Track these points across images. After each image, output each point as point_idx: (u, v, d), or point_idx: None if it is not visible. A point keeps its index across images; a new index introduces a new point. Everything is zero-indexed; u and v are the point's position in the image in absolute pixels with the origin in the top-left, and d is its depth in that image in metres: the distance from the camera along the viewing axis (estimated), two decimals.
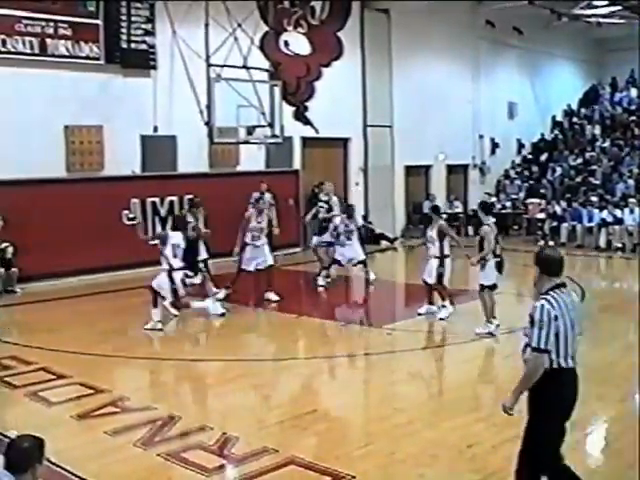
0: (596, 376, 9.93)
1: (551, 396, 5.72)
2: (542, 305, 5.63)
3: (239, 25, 19.08)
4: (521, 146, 32.37)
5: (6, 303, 15.84)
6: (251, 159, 21.57)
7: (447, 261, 13.83)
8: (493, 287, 12.60)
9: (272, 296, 15.72)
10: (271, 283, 15.88)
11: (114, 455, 7.61)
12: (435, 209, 15.08)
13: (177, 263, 13.42)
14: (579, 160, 30.01)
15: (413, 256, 20.99)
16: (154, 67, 19.60)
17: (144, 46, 19.36)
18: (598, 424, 8.56)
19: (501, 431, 7.84)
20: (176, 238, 13.61)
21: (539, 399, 5.77)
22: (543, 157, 31.32)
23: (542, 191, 27.92)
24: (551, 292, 5.70)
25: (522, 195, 28.59)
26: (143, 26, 19.27)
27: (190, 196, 18.66)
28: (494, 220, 12.88)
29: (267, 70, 21.17)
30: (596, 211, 24.07)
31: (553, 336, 5.59)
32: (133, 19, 19.09)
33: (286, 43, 23.07)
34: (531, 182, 29.24)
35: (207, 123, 17.97)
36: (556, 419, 5.82)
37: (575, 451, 7.64)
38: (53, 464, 6.69)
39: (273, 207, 18.56)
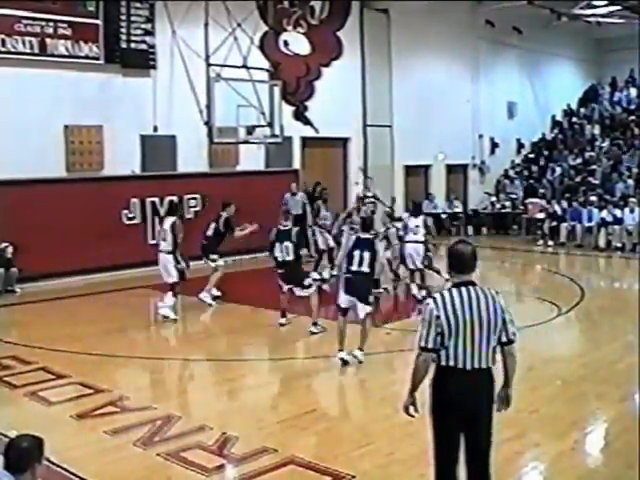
0: (596, 376, 9.95)
1: (433, 396, 5.61)
2: (427, 303, 5.58)
3: (239, 25, 19.09)
4: (521, 146, 32.35)
5: (6, 303, 15.86)
6: (251, 159, 21.57)
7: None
8: None
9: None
10: None
11: (114, 455, 7.62)
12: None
13: (164, 246, 14.56)
14: (579, 160, 30.00)
15: None
16: (154, 67, 19.59)
17: (144, 46, 19.35)
18: (598, 424, 8.57)
19: (500, 431, 7.78)
20: (167, 223, 14.70)
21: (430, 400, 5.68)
22: (542, 157, 31.31)
23: (542, 191, 27.93)
24: (450, 289, 5.57)
25: (522, 195, 28.58)
26: (143, 26, 19.26)
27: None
28: (424, 218, 15.99)
29: (267, 70, 21.16)
30: (595, 211, 24.07)
31: (436, 335, 5.46)
32: (133, 19, 19.08)
33: (286, 43, 23.06)
34: (531, 182, 29.23)
35: (207, 123, 18.00)
36: (436, 422, 5.65)
37: (575, 451, 7.68)
38: (53, 464, 6.69)
39: (308, 205, 18.73)
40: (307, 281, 13.13)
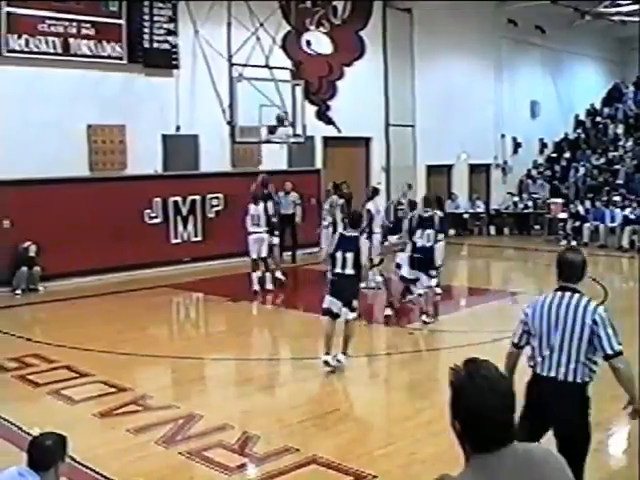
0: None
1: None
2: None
3: (261, 24, 19.11)
4: (543, 146, 32.21)
5: (29, 301, 15.95)
6: (273, 158, 21.58)
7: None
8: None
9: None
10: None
11: (136, 453, 7.64)
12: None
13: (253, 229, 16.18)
14: (602, 160, 29.82)
15: None
16: (176, 66, 19.63)
17: (166, 46, 19.39)
18: (621, 425, 8.50)
19: None
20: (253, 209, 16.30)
21: None
22: (566, 156, 31.15)
23: (564, 191, 27.79)
24: (554, 292, 5.57)
25: (544, 195, 28.46)
26: (165, 26, 19.32)
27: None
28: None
29: (289, 69, 21.15)
30: (619, 211, 23.93)
31: (522, 332, 5.59)
32: (155, 19, 19.14)
33: (308, 42, 23.06)
34: (554, 182, 29.09)
35: (229, 122, 18.04)
36: (520, 421, 5.39)
37: (598, 452, 7.61)
38: (75, 462, 6.70)
39: (299, 206, 18.58)
40: (355, 303, 10.73)
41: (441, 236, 14.36)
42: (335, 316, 10.58)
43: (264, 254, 16.59)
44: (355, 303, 10.61)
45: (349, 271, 10.45)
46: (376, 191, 18.12)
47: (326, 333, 10.53)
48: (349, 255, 10.42)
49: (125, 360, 11.30)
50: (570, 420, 5.43)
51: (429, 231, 13.13)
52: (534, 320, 5.48)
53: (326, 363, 10.45)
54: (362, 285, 12.76)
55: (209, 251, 19.83)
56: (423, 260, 13.12)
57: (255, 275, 16.43)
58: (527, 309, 5.57)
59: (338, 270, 10.51)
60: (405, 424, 8.45)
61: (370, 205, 17.06)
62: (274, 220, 16.99)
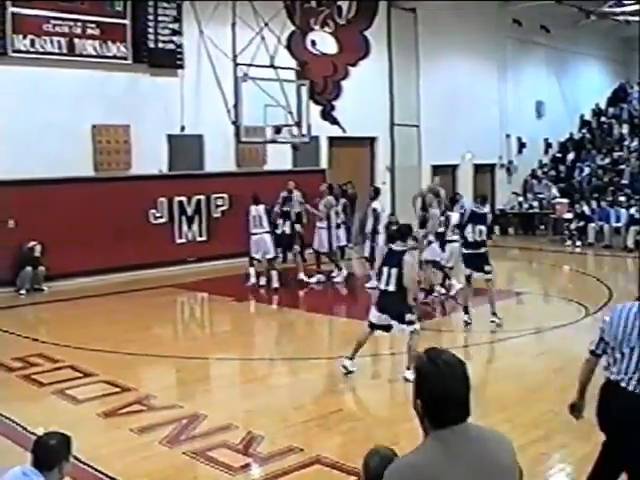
0: None
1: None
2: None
3: (266, 24, 19.09)
4: (548, 146, 32.18)
5: (33, 301, 15.98)
6: (278, 158, 21.58)
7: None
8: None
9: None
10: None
11: (140, 453, 7.64)
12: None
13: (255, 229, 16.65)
14: (607, 160, 29.80)
15: None
16: (181, 66, 19.66)
17: (171, 46, 19.42)
18: None
19: (527, 432, 7.80)
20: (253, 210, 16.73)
21: None
22: (570, 157, 31.12)
23: (576, 190, 27.74)
24: (629, 302, 5.44)
25: (549, 195, 28.42)
26: (170, 26, 19.34)
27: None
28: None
29: (294, 69, 21.12)
30: (624, 211, 23.91)
31: (600, 340, 5.41)
32: (160, 19, 19.17)
33: (313, 42, 23.08)
34: (563, 182, 29.07)
35: (234, 122, 18.03)
36: (605, 436, 5.43)
37: None
38: (80, 461, 6.71)
39: (303, 205, 18.58)
40: (408, 316, 10.15)
41: (456, 237, 14.57)
42: (381, 328, 10.36)
43: (271, 254, 16.64)
44: (409, 317, 10.04)
45: (391, 288, 10.04)
46: (377, 191, 18.14)
47: (358, 340, 10.34)
48: (393, 271, 10.01)
49: (129, 360, 11.31)
50: None
51: (481, 227, 13.27)
52: (611, 328, 5.32)
53: (344, 367, 10.33)
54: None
55: (214, 251, 19.84)
56: (474, 256, 13.23)
57: (252, 270, 16.96)
58: (606, 317, 5.44)
59: (382, 286, 10.19)
60: (409, 424, 8.39)
61: (376, 204, 17.09)
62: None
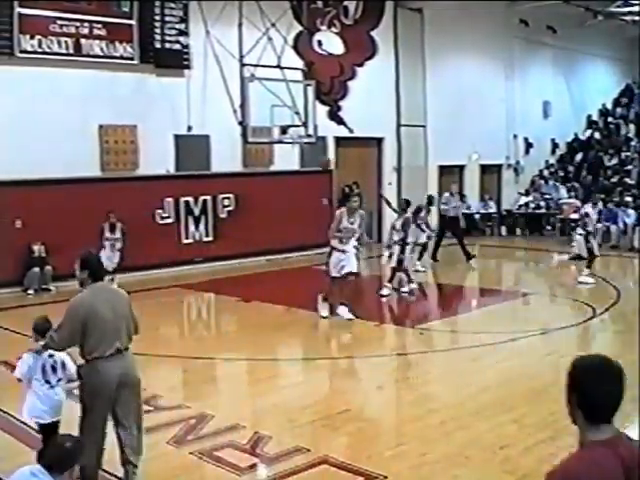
0: (630, 378, 9.82)
1: None
2: None
3: (273, 25, 19.11)
4: (555, 146, 32.12)
5: (41, 301, 15.97)
6: (285, 158, 21.58)
7: (407, 248, 16.30)
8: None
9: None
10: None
11: (147, 453, 7.60)
12: (407, 203, 17.24)
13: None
14: (614, 160, 29.74)
15: (446, 256, 20.94)
16: (188, 67, 19.68)
17: (178, 46, 19.44)
18: (632, 426, 8.46)
19: (534, 433, 7.79)
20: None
21: None
22: (578, 157, 31.08)
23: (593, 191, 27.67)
24: None
25: (556, 195, 28.37)
26: (177, 26, 19.36)
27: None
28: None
29: (301, 70, 21.15)
30: (631, 211, 23.86)
31: None
32: (167, 19, 19.19)
33: (320, 43, 23.08)
34: (572, 182, 29.01)
35: (241, 123, 18.05)
36: None
37: None
38: None
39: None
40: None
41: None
42: None
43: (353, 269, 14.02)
44: None
45: None
46: (431, 200, 19.73)
47: None
48: None
49: (136, 360, 11.29)
50: None
51: None
52: None
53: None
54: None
55: (220, 251, 19.84)
56: None
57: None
58: None
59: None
60: (416, 424, 8.43)
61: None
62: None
